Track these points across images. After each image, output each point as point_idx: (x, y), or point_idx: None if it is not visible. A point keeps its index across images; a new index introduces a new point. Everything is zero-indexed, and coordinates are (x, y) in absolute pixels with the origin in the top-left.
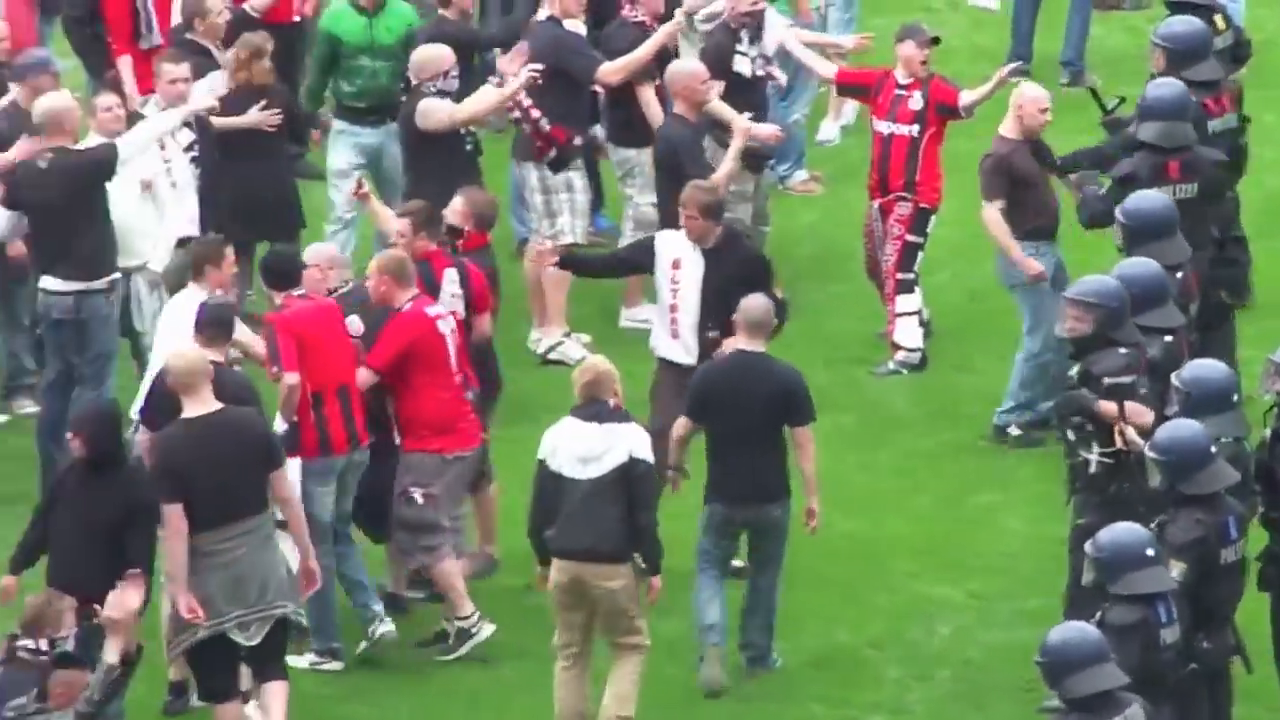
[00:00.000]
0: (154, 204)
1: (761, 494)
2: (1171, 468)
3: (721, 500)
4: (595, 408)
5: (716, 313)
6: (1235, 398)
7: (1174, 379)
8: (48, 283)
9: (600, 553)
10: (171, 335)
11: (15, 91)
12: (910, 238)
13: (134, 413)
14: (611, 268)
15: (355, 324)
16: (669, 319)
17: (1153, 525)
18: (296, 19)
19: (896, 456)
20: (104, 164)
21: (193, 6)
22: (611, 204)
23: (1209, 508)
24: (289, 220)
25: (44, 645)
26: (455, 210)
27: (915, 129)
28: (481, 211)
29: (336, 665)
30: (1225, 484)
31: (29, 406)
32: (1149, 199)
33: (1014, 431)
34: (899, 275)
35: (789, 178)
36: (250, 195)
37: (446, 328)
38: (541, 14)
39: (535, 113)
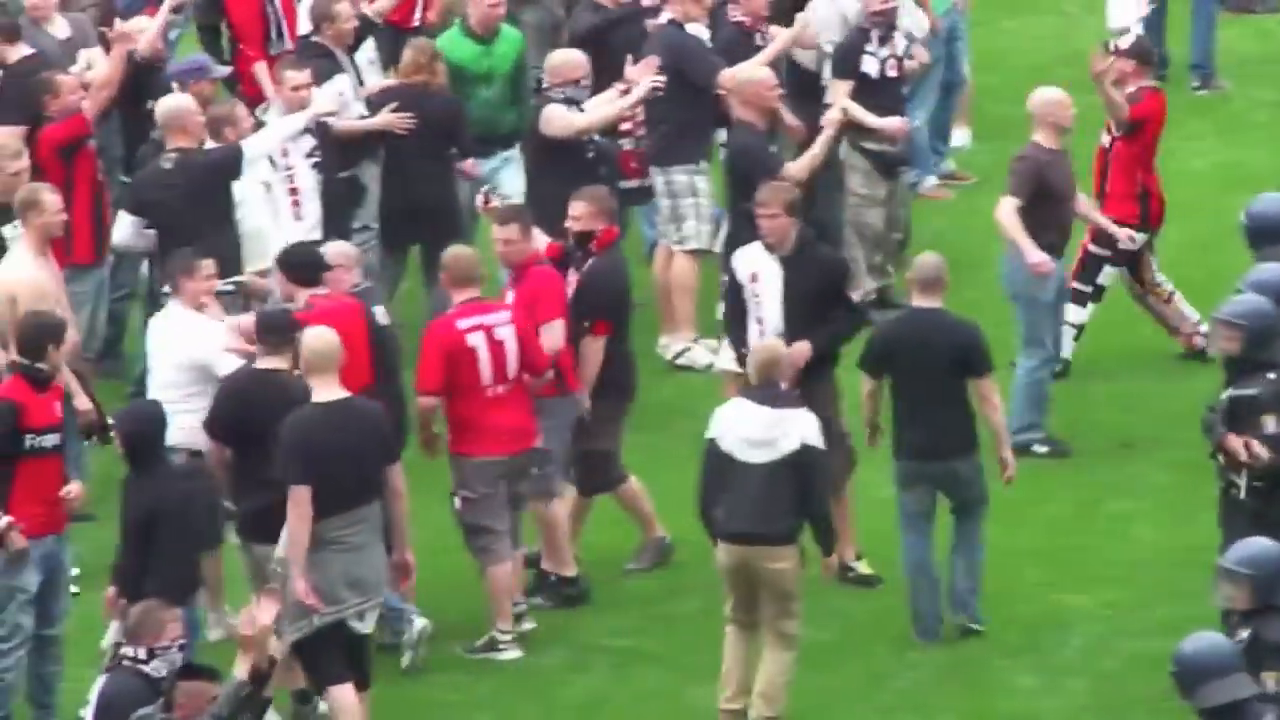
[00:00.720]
0: (274, 206)
1: (944, 450)
2: None
3: (907, 456)
4: (769, 391)
5: (801, 321)
6: None
7: None
8: None
9: (770, 537)
10: (160, 352)
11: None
12: (1092, 248)
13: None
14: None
15: (382, 313)
16: (756, 331)
17: None
18: (416, 24)
19: (1027, 464)
20: (228, 164)
21: (322, 10)
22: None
23: None
24: (448, 225)
25: (142, 653)
26: (579, 215)
27: (1107, 138)
28: (606, 206)
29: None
30: None
31: None
32: (1272, 200)
33: (1040, 450)
34: (1073, 284)
35: (919, 184)
36: (411, 198)
37: (479, 339)
38: (663, 17)
39: (642, 131)
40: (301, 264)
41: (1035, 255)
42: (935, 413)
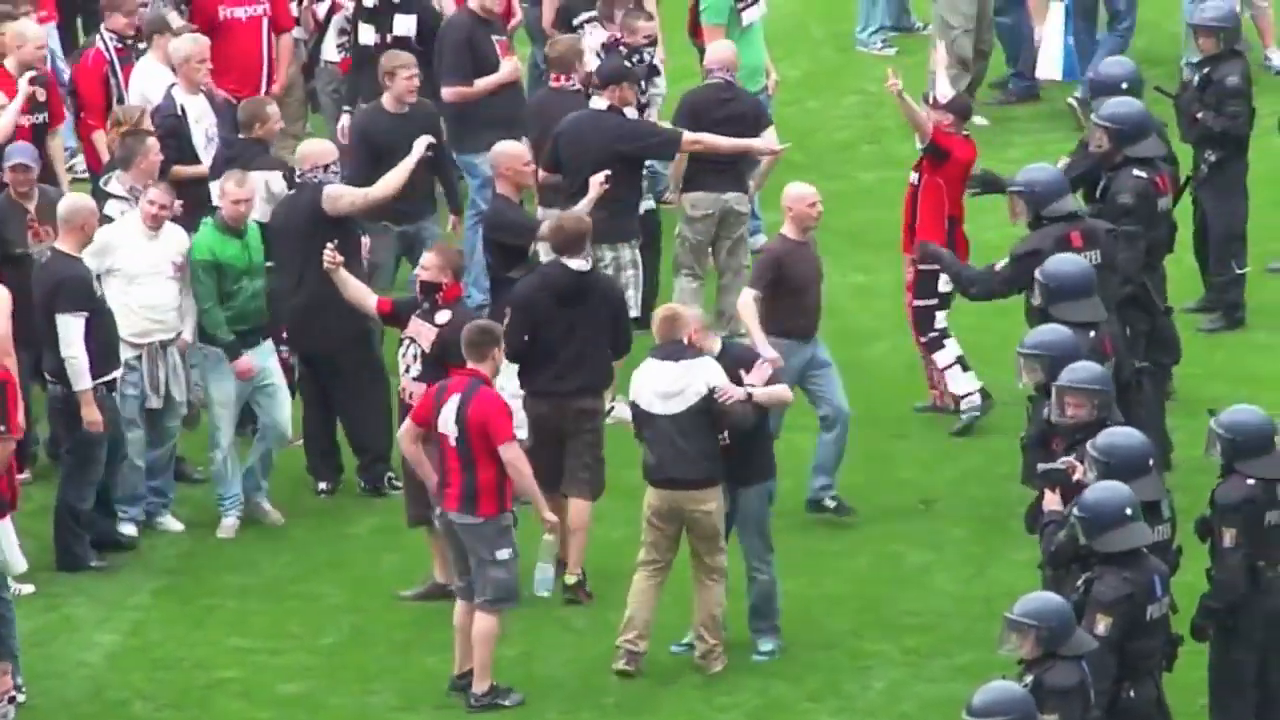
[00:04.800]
0: (183, 283)
1: None
2: (1088, 525)
3: None
4: (672, 347)
5: None
6: (1151, 462)
7: (1089, 447)
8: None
9: (693, 481)
10: None
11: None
12: (917, 302)
13: None
14: None
15: None
16: None
17: (1079, 583)
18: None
19: (834, 518)
20: (69, 293)
21: (253, 112)
22: None
23: (1135, 566)
24: None
25: None
26: (429, 265)
27: (915, 176)
28: (456, 263)
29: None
30: (1137, 544)
31: None
32: (1068, 261)
33: (829, 504)
34: (921, 339)
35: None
36: None
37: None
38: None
39: None
40: None
41: (768, 352)
42: None
